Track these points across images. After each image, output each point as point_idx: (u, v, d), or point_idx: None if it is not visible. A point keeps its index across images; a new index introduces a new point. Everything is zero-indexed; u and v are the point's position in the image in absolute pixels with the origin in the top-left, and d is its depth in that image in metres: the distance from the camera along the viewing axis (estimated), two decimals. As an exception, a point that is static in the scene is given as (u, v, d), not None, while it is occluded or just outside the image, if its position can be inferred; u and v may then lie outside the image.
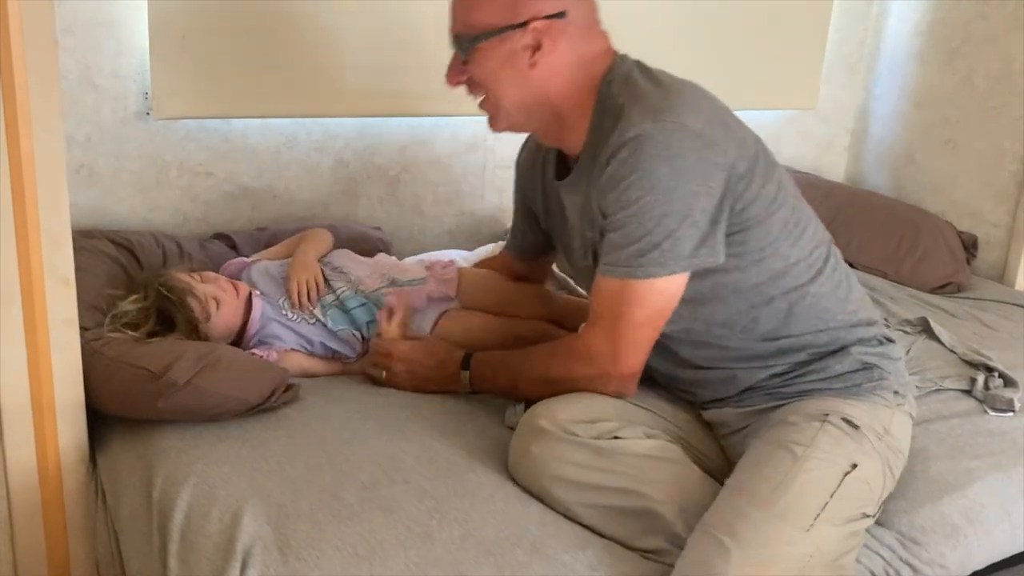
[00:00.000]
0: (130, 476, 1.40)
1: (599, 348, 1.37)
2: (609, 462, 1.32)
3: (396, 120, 2.24)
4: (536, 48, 1.35)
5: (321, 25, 2.05)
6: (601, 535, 1.31)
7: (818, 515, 1.23)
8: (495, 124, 1.46)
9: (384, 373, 1.63)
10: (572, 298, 1.89)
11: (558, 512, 1.33)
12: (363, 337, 1.74)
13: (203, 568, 1.17)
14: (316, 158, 2.20)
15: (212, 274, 1.75)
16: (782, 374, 1.42)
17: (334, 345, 1.74)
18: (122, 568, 1.38)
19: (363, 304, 1.74)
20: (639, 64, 1.40)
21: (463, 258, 2.10)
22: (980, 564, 1.44)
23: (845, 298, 1.44)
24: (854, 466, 1.29)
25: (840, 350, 1.41)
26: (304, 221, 2.17)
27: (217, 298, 1.67)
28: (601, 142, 1.34)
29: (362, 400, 1.60)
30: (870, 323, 1.45)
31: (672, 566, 1.23)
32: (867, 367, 1.40)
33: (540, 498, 1.35)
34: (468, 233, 2.37)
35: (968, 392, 1.76)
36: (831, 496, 1.25)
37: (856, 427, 1.33)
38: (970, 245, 2.55)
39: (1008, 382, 1.76)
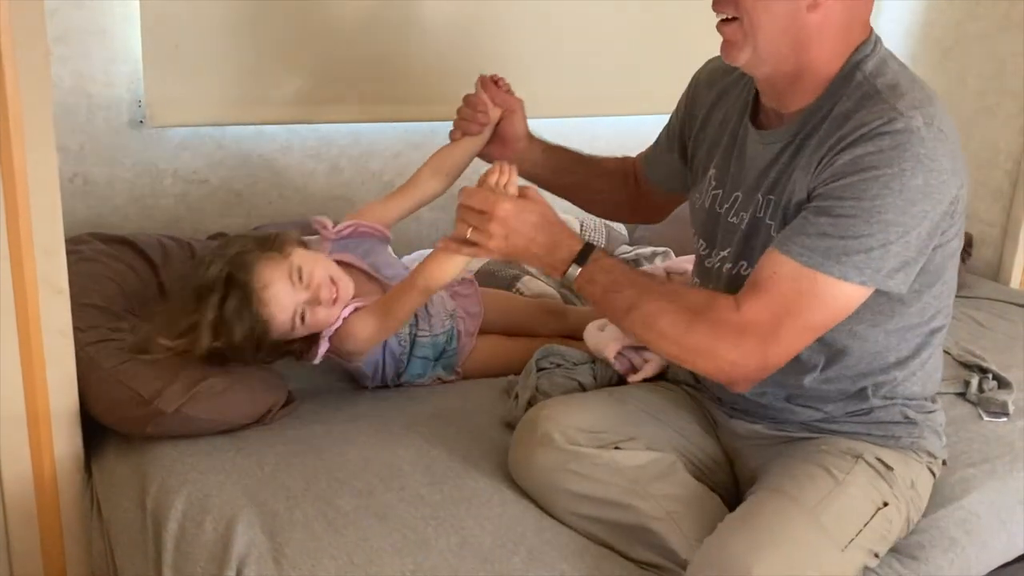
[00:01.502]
0: (124, 485, 1.40)
1: (756, 332, 1.18)
2: (605, 473, 1.31)
3: (390, 126, 2.24)
4: (815, 5, 1.21)
5: (315, 32, 2.05)
6: (599, 544, 1.31)
7: (853, 539, 1.21)
8: (734, 54, 1.26)
9: (471, 231, 1.34)
10: (585, 309, 1.86)
11: (555, 518, 1.33)
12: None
13: (198, 578, 1.17)
14: (311, 165, 2.20)
15: (313, 258, 1.50)
16: (834, 417, 1.36)
17: (369, 370, 1.65)
18: (117, 578, 1.38)
19: (425, 357, 1.70)
20: (891, 53, 1.29)
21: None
22: (978, 575, 1.43)
23: (936, 368, 1.40)
24: (885, 504, 1.27)
25: (891, 400, 1.35)
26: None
27: (305, 314, 1.47)
28: (836, 116, 1.22)
29: (357, 407, 1.60)
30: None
31: None
32: (909, 422, 1.36)
33: (538, 502, 1.35)
34: (464, 238, 2.37)
35: (962, 395, 1.75)
36: (864, 525, 1.23)
37: (890, 468, 1.30)
38: (965, 244, 2.56)
39: (1002, 384, 1.75)
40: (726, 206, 1.38)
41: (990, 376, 1.78)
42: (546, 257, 1.31)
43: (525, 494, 1.37)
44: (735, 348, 1.18)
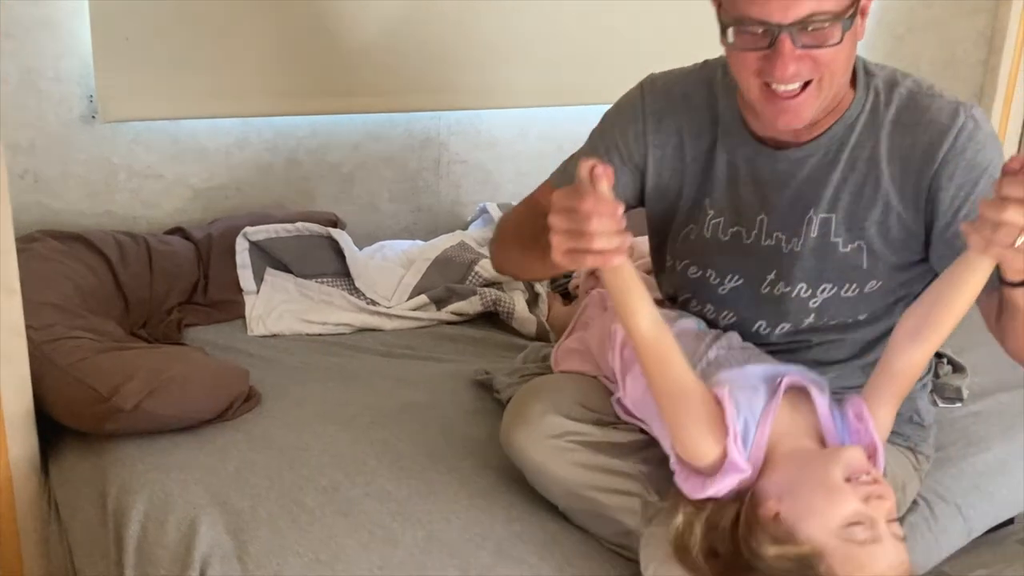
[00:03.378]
0: (84, 486, 1.38)
1: None
2: (603, 448, 1.29)
3: (348, 117, 2.22)
4: (865, 11, 1.19)
5: (269, 23, 2.02)
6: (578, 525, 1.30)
7: None
8: (804, 115, 1.20)
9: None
10: None
11: (546, 496, 1.32)
12: None
13: (161, 579, 1.15)
14: (268, 158, 2.17)
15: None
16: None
17: None
18: (78, 581, 1.36)
19: None
20: None
21: (417, 247, 2.10)
22: (935, 562, 1.45)
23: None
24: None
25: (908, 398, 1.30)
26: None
27: None
28: (891, 123, 1.25)
29: (323, 402, 1.58)
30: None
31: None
32: (917, 423, 1.38)
33: (531, 477, 1.33)
34: (426, 229, 2.35)
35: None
36: None
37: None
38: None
39: (956, 368, 1.76)
40: (742, 231, 1.34)
41: (945, 361, 1.79)
42: None
43: (493, 487, 1.36)
44: None
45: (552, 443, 1.29)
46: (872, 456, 1.10)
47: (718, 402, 1.10)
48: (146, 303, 1.81)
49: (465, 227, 2.27)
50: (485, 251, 2.08)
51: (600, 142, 1.40)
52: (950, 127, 1.22)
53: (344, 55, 2.10)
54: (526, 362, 1.61)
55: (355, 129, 2.24)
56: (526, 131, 2.40)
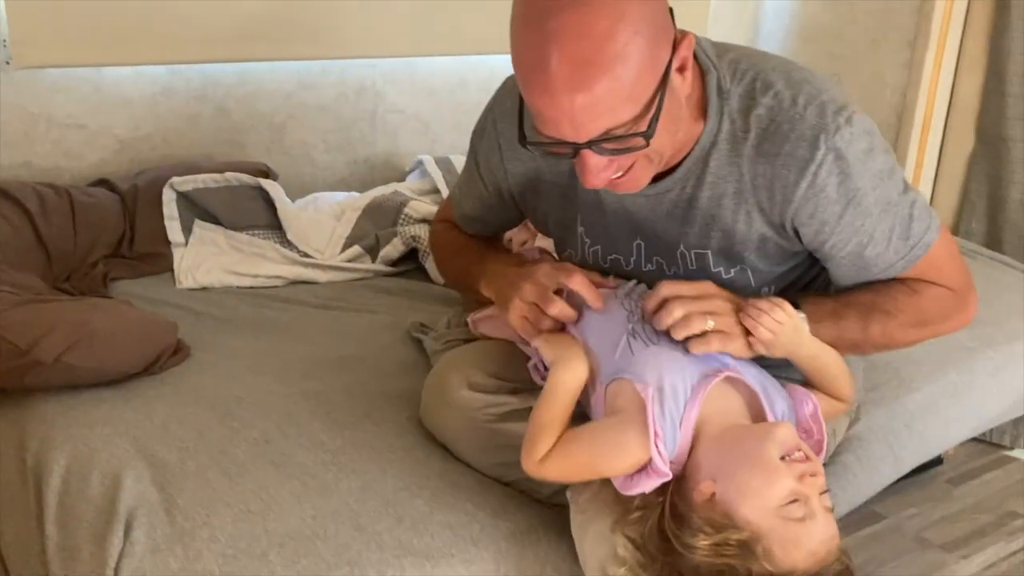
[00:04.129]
0: (2, 443, 1.33)
1: (964, 293, 1.26)
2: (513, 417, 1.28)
3: (280, 65, 2.16)
4: (683, 66, 1.06)
5: (194, -35, 1.95)
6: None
7: None
8: (642, 182, 1.11)
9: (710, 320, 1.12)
10: None
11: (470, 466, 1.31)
12: None
13: (84, 533, 1.12)
14: (196, 107, 2.11)
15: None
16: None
17: None
18: (-1, 539, 1.32)
19: None
20: (703, 41, 1.19)
21: (351, 199, 2.06)
22: (864, 498, 1.48)
23: None
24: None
25: None
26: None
27: None
28: (749, 158, 1.13)
29: (255, 355, 1.55)
30: None
31: None
32: None
33: (451, 452, 1.32)
34: (362, 180, 2.31)
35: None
36: None
37: None
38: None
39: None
40: (620, 258, 1.28)
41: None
42: None
43: (429, 438, 1.35)
44: (963, 314, 1.27)
45: (470, 417, 1.27)
46: (818, 452, 1.10)
47: (640, 399, 1.06)
48: (69, 256, 1.75)
49: (402, 179, 2.23)
50: (419, 197, 2.06)
51: (474, 166, 1.35)
52: (808, 163, 1.10)
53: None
54: (450, 327, 1.58)
55: (287, 77, 2.18)
56: (465, 80, 2.36)
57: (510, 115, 1.18)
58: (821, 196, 1.12)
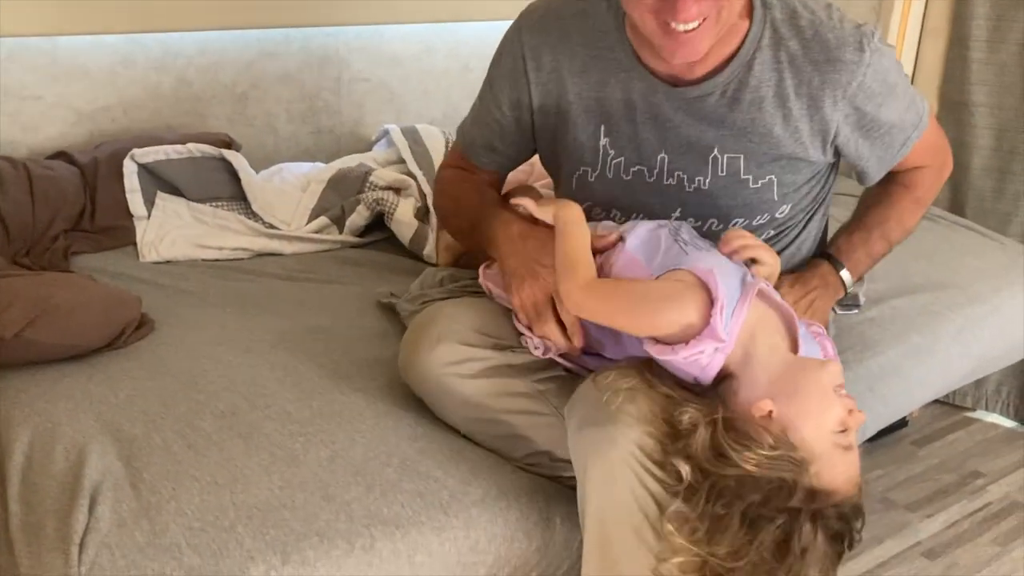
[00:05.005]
0: (-38, 420, 1.31)
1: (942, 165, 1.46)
2: (498, 373, 1.28)
3: (241, 34, 2.12)
4: None
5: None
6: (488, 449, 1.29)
7: None
8: (699, 49, 1.16)
9: None
10: None
11: (446, 422, 1.31)
12: None
13: (48, 509, 1.10)
14: (156, 77, 2.07)
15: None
16: None
17: None
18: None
19: None
20: None
21: (317, 169, 2.03)
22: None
23: None
24: None
25: None
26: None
27: None
28: (793, 57, 1.24)
29: (221, 328, 1.54)
30: None
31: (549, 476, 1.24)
32: None
33: (429, 405, 1.32)
34: (327, 151, 2.28)
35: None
36: None
37: None
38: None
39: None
40: (644, 169, 1.32)
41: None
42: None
43: (399, 407, 1.34)
44: (943, 177, 1.48)
45: (449, 370, 1.26)
46: None
47: (699, 280, 1.10)
48: (28, 230, 1.71)
49: (368, 149, 2.21)
50: (384, 168, 2.04)
51: (489, 93, 1.39)
52: (858, 63, 1.23)
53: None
54: (423, 287, 1.57)
55: (248, 46, 2.14)
56: (432, 48, 2.34)
57: (538, 28, 1.31)
58: (868, 91, 1.25)
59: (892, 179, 1.42)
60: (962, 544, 1.79)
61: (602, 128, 1.32)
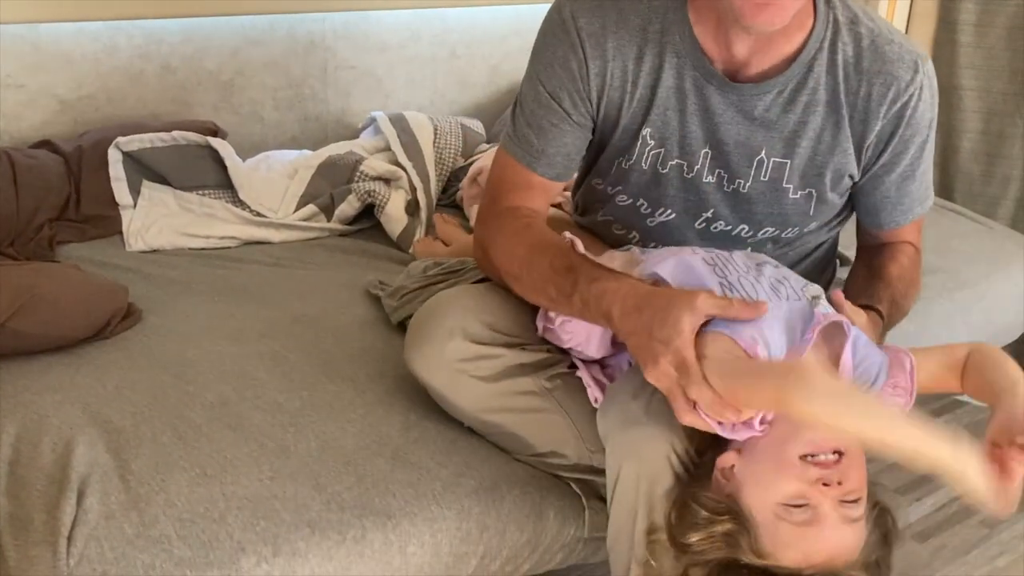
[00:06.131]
0: (-52, 413, 1.30)
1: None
2: (510, 371, 1.25)
3: (225, 20, 2.10)
4: None
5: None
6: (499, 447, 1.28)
7: None
8: (787, 12, 1.09)
9: None
10: None
11: (458, 418, 1.28)
12: None
13: (35, 502, 1.09)
14: (140, 65, 2.05)
15: None
16: None
17: None
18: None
19: None
20: None
21: (304, 156, 2.02)
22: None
23: None
24: None
25: None
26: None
27: None
28: (847, 65, 1.20)
29: (209, 317, 1.53)
30: None
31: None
32: None
33: (440, 400, 1.27)
34: (314, 139, 2.27)
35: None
36: None
37: None
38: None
39: (845, 263, 1.79)
40: (683, 164, 1.25)
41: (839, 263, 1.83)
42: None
43: (390, 396, 1.33)
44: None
45: (462, 367, 1.22)
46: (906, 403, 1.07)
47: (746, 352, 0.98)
48: (12, 220, 1.69)
49: (355, 136, 2.20)
50: (373, 155, 2.03)
51: (544, 88, 1.24)
52: (910, 83, 1.20)
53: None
54: (409, 279, 1.53)
55: (233, 33, 2.12)
56: (418, 34, 2.32)
57: (591, 10, 1.20)
58: (912, 117, 1.22)
59: (878, 250, 1.34)
60: (951, 526, 1.79)
61: (648, 118, 1.24)
